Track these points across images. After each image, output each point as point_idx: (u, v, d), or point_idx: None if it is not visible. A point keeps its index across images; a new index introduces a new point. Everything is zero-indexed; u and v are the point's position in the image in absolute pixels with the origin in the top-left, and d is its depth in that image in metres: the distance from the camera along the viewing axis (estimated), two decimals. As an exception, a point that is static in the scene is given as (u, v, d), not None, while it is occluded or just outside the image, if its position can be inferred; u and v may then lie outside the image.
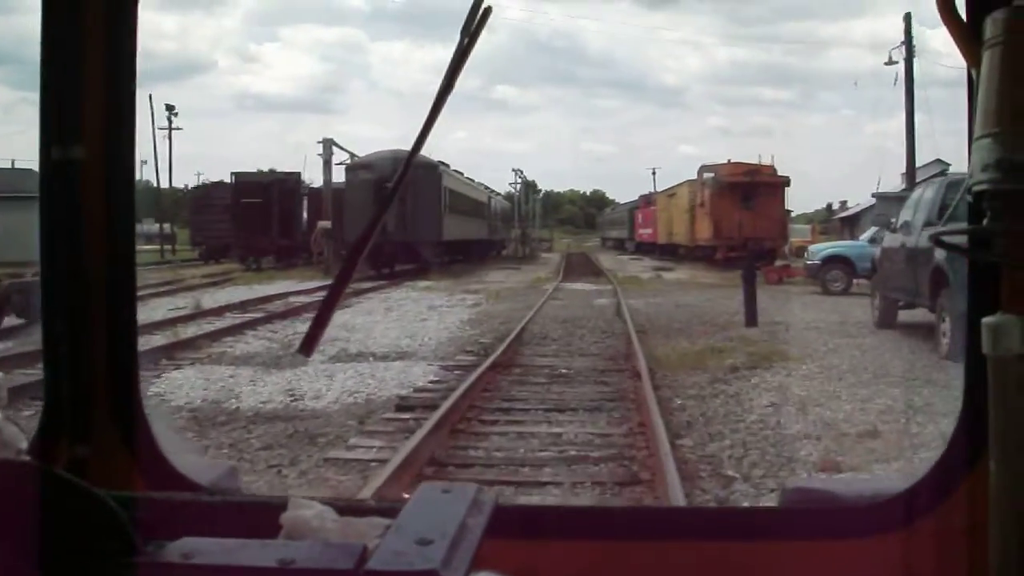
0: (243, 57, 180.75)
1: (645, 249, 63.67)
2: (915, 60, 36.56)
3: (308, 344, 1.62)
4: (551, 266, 47.80)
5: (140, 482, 1.77)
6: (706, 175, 46.72)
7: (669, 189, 58.09)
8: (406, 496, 1.33)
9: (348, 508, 1.14)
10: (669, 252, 55.02)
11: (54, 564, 0.99)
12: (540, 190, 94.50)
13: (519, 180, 73.43)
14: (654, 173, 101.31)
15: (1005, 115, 1.23)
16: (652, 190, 69.85)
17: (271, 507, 1.14)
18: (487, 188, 58.62)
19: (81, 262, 1.75)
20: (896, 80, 36.94)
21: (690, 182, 50.53)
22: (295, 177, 43.05)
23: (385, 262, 35.63)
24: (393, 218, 36.85)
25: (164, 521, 1.09)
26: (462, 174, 46.45)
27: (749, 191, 43.62)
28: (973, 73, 1.34)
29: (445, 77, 1.56)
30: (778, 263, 41.29)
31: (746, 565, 1.65)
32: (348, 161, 38.45)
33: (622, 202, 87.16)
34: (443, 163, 39.16)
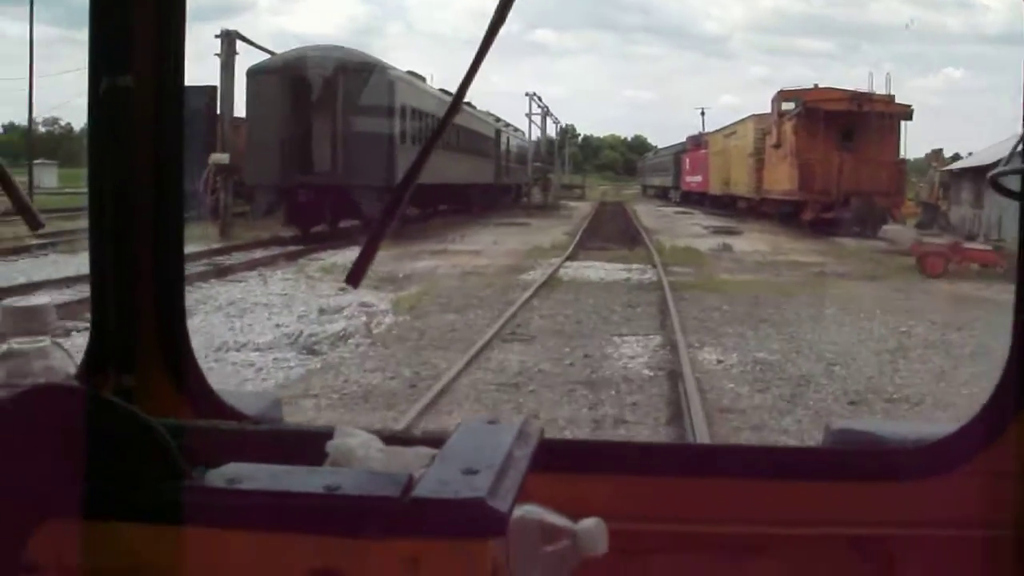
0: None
1: (693, 200, 53.08)
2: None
3: (355, 275, 1.55)
4: (572, 222, 35.20)
5: (186, 412, 1.75)
6: (786, 104, 33.97)
7: (727, 127, 45.82)
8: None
9: (394, 438, 1.16)
10: (723, 205, 43.86)
11: (103, 487, 1.00)
12: (579, 134, 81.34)
13: (538, 109, 56.12)
14: (703, 113, 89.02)
15: None
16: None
17: (317, 436, 1.14)
18: (498, 120, 45.75)
19: (128, 191, 1.74)
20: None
21: (758, 116, 39.07)
22: (208, 93, 30.39)
23: (308, 217, 23.33)
24: (324, 150, 24.39)
25: (210, 449, 1.10)
26: (448, 92, 33.59)
27: (852, 125, 30.86)
28: None
29: (496, 11, 1.49)
30: (893, 224, 28.62)
31: (789, 503, 1.63)
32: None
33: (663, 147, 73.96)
34: (411, 72, 26.60)
